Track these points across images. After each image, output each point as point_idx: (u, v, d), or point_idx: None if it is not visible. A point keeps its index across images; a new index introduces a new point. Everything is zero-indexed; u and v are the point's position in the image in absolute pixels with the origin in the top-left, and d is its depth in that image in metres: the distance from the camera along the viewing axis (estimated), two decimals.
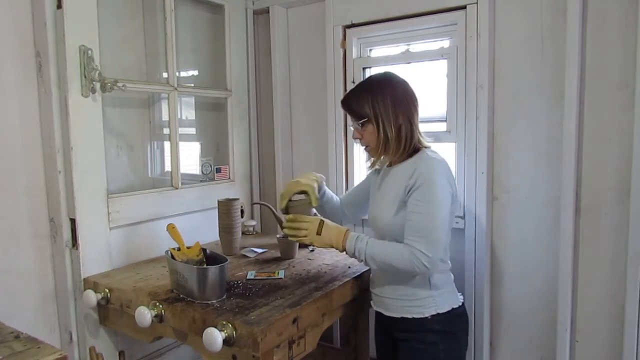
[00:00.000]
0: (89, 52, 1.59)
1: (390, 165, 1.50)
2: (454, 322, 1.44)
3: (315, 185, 1.61)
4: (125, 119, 2.12)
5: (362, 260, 1.41)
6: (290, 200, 1.57)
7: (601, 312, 1.62)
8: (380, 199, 1.48)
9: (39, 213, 1.65)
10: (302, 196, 1.58)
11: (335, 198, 1.74)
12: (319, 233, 1.44)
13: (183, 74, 2.30)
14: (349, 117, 1.50)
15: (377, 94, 1.40)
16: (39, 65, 1.60)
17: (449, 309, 1.42)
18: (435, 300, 1.41)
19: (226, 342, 1.25)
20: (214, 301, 1.40)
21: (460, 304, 1.47)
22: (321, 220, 1.47)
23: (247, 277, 1.61)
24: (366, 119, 1.41)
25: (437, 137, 1.95)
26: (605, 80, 1.55)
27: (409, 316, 1.42)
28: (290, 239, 1.51)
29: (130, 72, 2.08)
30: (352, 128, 1.50)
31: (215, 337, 1.23)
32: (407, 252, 1.32)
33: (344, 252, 1.44)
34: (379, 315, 1.54)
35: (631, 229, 1.50)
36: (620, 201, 1.55)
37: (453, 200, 1.38)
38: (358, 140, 1.49)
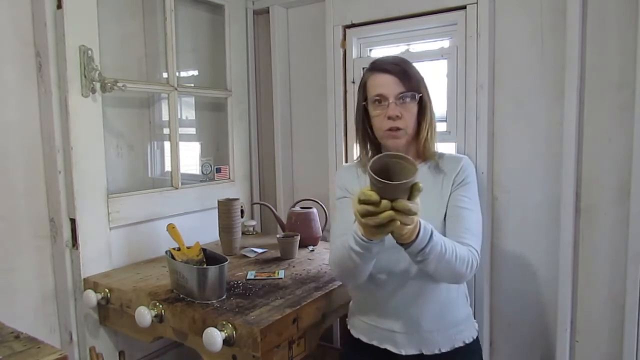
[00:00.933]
0: (89, 52, 1.60)
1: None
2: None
3: None
4: (125, 119, 2.12)
5: (425, 259, 1.04)
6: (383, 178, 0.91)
7: (601, 312, 1.62)
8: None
9: (39, 213, 1.65)
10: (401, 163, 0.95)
11: None
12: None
13: (183, 74, 2.30)
14: (378, 92, 1.21)
15: (419, 73, 1.28)
16: (39, 65, 1.60)
17: (476, 325, 1.31)
18: (472, 316, 1.28)
19: (226, 342, 1.25)
20: (214, 301, 1.40)
21: (477, 333, 1.34)
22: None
23: (247, 277, 1.61)
24: (421, 95, 1.23)
25: (437, 137, 1.95)
26: (605, 80, 1.55)
27: (461, 344, 1.23)
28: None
29: (130, 72, 2.09)
30: (392, 102, 1.21)
31: (215, 337, 1.23)
32: (465, 250, 1.12)
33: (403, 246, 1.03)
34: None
35: (631, 229, 1.50)
36: (620, 201, 1.55)
37: None
38: (391, 121, 1.21)
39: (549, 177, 1.67)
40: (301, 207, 2.09)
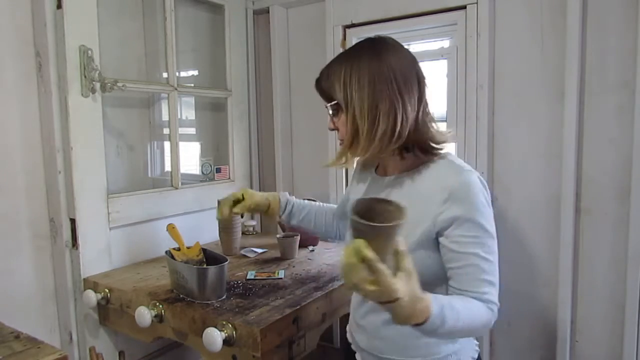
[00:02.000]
0: (89, 52, 1.59)
1: (383, 173, 1.10)
2: None
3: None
4: (125, 119, 2.12)
5: (438, 334, 0.86)
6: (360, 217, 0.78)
7: (601, 312, 1.62)
8: None
9: (39, 213, 1.65)
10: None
11: (319, 209, 1.38)
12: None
13: (183, 74, 2.30)
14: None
15: (353, 67, 0.99)
16: (39, 65, 1.60)
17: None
18: (458, 356, 1.05)
19: (226, 342, 1.25)
20: (214, 301, 1.40)
21: (477, 353, 1.10)
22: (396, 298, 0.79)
23: (247, 277, 1.61)
24: (335, 103, 1.03)
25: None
26: (605, 80, 1.55)
27: None
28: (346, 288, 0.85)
29: (130, 72, 2.09)
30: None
31: (215, 337, 1.23)
32: (484, 310, 0.92)
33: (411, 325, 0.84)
34: None
35: (631, 229, 1.50)
36: (620, 201, 1.55)
37: None
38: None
39: (549, 177, 1.67)
40: None
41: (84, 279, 1.64)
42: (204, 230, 1.98)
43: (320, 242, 2.04)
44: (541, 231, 1.71)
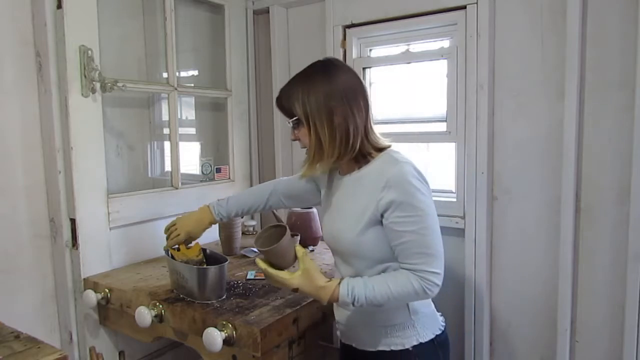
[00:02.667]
0: (89, 52, 1.59)
1: (342, 173, 1.28)
2: (438, 353, 1.25)
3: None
4: (125, 119, 2.12)
5: (360, 306, 1.15)
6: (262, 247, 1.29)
7: (601, 312, 1.62)
8: (339, 215, 1.25)
9: (39, 213, 1.65)
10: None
11: (260, 196, 1.54)
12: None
13: (183, 74, 2.30)
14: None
15: (309, 87, 1.17)
16: (39, 65, 1.60)
17: (432, 336, 1.24)
18: (416, 328, 1.22)
19: (226, 342, 1.25)
20: (214, 301, 1.40)
21: (443, 328, 1.29)
22: (296, 288, 1.20)
23: (247, 277, 1.61)
24: (297, 118, 1.20)
25: (437, 137, 1.96)
26: (605, 80, 1.55)
27: (387, 349, 1.22)
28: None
29: (130, 72, 2.08)
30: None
31: (215, 337, 1.23)
32: (415, 279, 1.12)
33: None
34: (347, 350, 1.32)
35: (631, 229, 1.50)
36: (620, 201, 1.55)
37: None
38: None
39: (549, 177, 1.67)
40: (301, 207, 2.09)
41: (84, 279, 1.64)
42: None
43: (320, 242, 2.04)
44: (541, 231, 1.71)
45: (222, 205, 1.52)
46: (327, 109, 1.16)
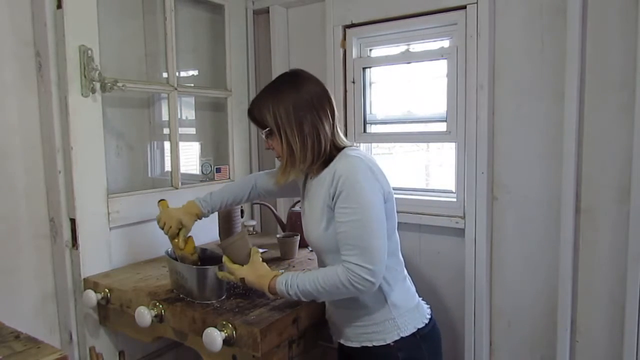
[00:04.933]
0: (89, 52, 1.59)
1: (312, 177, 1.34)
2: (421, 347, 1.28)
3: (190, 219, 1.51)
4: (125, 119, 2.12)
5: (298, 298, 1.24)
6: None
7: (601, 312, 1.62)
8: (309, 214, 1.32)
9: (39, 213, 1.65)
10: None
11: (240, 193, 1.59)
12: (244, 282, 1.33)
13: (183, 74, 2.30)
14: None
15: (278, 98, 1.24)
16: (39, 65, 1.60)
17: (414, 330, 1.27)
18: (396, 323, 1.26)
19: (226, 342, 1.25)
20: (214, 301, 1.40)
21: (427, 321, 1.31)
22: (242, 278, 1.32)
23: None
24: (269, 129, 1.26)
25: (437, 137, 1.96)
26: (605, 80, 1.55)
27: (369, 344, 1.26)
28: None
29: (130, 72, 2.08)
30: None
31: (215, 337, 1.23)
32: (342, 271, 1.16)
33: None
34: (340, 347, 1.39)
35: (631, 229, 1.50)
36: (620, 201, 1.55)
37: (386, 199, 1.22)
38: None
39: (549, 177, 1.67)
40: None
41: (84, 279, 1.64)
42: (204, 230, 1.98)
43: None
44: (541, 231, 1.71)
45: (206, 200, 1.56)
46: (297, 118, 1.23)
